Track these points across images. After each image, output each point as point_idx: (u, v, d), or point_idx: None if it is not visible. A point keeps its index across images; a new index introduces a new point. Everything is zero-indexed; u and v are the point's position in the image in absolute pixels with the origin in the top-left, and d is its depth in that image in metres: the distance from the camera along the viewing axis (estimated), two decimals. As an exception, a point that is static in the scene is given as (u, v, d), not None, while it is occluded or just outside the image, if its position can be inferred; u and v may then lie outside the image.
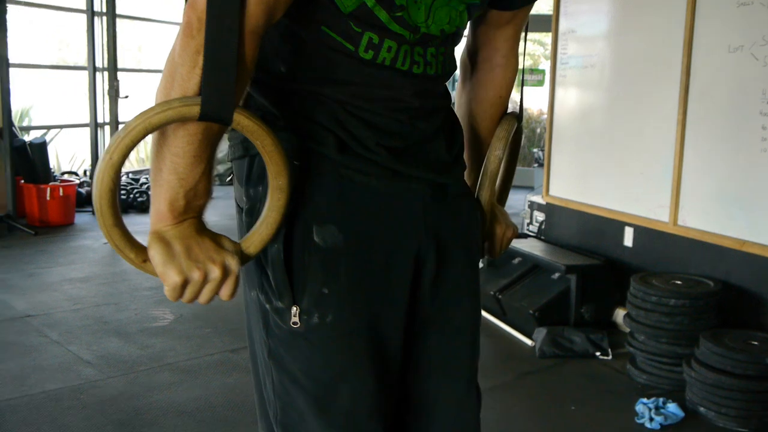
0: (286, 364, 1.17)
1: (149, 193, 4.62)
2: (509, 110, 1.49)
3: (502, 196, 1.56)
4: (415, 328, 1.25)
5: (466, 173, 1.42)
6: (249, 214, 1.18)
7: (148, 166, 8.72)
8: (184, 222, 1.03)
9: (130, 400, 3.08)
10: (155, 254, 1.00)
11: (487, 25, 1.37)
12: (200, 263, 1.01)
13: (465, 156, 1.42)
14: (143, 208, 7.04)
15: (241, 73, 0.99)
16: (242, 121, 1.00)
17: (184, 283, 1.00)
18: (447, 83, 1.30)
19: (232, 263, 1.03)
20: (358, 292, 1.16)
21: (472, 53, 1.44)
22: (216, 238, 1.05)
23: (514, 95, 1.81)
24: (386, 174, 1.17)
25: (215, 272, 1.01)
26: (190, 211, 1.03)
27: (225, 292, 1.04)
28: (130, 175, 7.87)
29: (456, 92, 1.50)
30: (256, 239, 1.08)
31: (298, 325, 1.13)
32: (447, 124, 1.29)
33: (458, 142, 1.32)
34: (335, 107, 1.14)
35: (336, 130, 1.13)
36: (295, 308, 1.13)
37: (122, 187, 6.88)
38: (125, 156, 0.97)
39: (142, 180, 7.65)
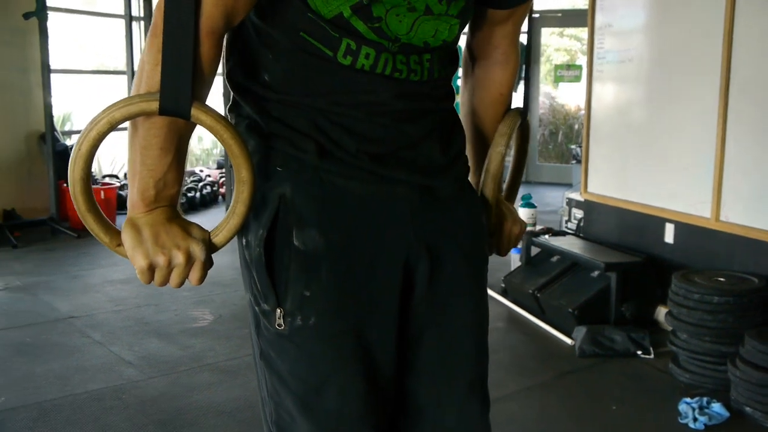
0: (275, 365, 1.19)
1: (188, 194, 4.69)
2: (513, 106, 1.47)
3: (511, 193, 1.54)
4: (412, 333, 1.26)
5: (471, 172, 1.40)
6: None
7: (187, 168, 8.83)
8: (155, 210, 1.07)
9: (171, 400, 3.11)
10: (125, 239, 1.06)
11: (485, 22, 1.35)
12: (165, 249, 1.05)
13: (469, 154, 1.41)
14: (182, 210, 7.11)
15: (199, 71, 1.04)
16: (200, 116, 1.04)
17: (151, 267, 1.05)
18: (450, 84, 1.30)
19: (197, 249, 1.07)
20: (342, 295, 1.16)
21: (471, 50, 1.42)
22: (185, 226, 1.09)
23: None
24: (369, 178, 1.17)
25: (179, 258, 1.05)
26: (161, 200, 1.08)
27: (192, 277, 1.08)
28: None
29: (460, 90, 1.48)
30: (224, 229, 1.11)
31: (283, 327, 1.16)
32: (444, 125, 1.28)
33: (456, 143, 1.30)
34: (315, 115, 1.15)
35: (316, 136, 1.15)
36: (279, 310, 1.15)
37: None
38: (93, 147, 1.04)
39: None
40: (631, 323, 3.86)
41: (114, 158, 8.17)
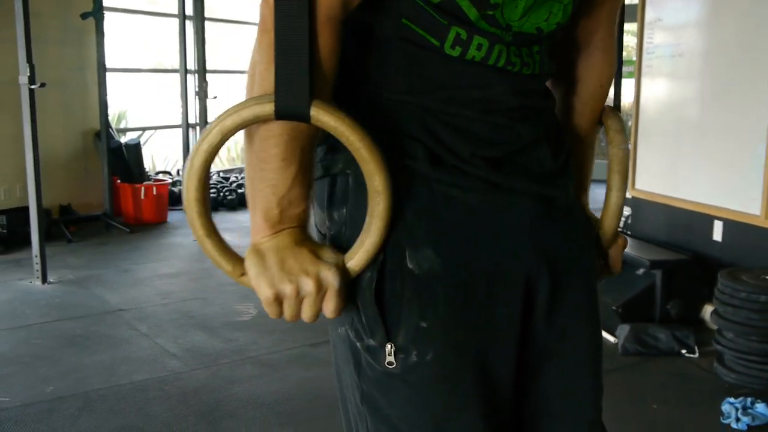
0: (382, 409, 1.03)
1: (239, 191, 4.79)
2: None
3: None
4: (529, 363, 1.11)
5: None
6: (334, 240, 1.04)
7: (238, 165, 8.95)
8: (281, 233, 0.96)
9: (212, 391, 3.17)
10: (249, 266, 0.96)
11: (586, 3, 1.17)
12: (293, 275, 0.93)
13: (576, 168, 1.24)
14: (232, 206, 7.23)
15: (318, 65, 0.92)
16: (321, 116, 0.90)
17: (278, 298, 0.94)
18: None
19: (329, 275, 0.94)
20: (461, 324, 1.01)
21: (567, 40, 1.23)
22: (316, 249, 0.96)
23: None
24: (485, 188, 1.02)
25: (308, 285, 0.93)
26: (287, 220, 0.96)
27: (326, 308, 0.95)
28: (221, 174, 8.08)
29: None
30: (358, 251, 0.97)
31: (394, 365, 1.00)
32: (551, 126, 1.14)
33: (564, 148, 1.15)
34: (422, 114, 1.01)
35: (425, 140, 1.00)
36: (389, 346, 1.00)
37: (212, 185, 7.07)
38: (207, 161, 0.93)
39: (232, 178, 7.84)
40: (676, 322, 3.80)
41: (167, 155, 8.33)
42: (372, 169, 0.93)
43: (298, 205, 0.95)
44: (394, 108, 1.01)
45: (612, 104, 1.32)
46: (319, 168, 1.06)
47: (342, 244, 1.02)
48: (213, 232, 0.97)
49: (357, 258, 0.96)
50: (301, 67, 0.90)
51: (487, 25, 0.99)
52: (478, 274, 1.02)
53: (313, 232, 1.07)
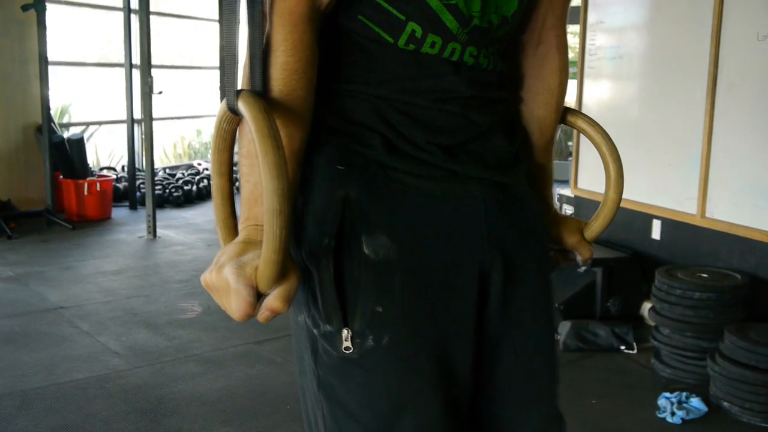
0: (338, 395, 1.03)
1: (185, 188, 4.77)
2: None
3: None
4: (485, 350, 1.11)
5: (535, 181, 1.26)
6: (293, 229, 1.05)
7: (185, 161, 8.85)
8: (245, 228, 0.97)
9: (153, 389, 3.14)
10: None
11: (537, 2, 1.19)
12: (213, 268, 0.94)
13: (533, 169, 1.26)
14: (178, 203, 7.15)
15: (281, 63, 0.95)
16: (242, 110, 0.91)
17: (207, 286, 0.95)
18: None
19: (228, 272, 0.91)
20: (417, 310, 1.02)
21: (522, 39, 1.23)
22: (248, 248, 0.94)
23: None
24: (441, 175, 1.04)
25: (211, 279, 0.93)
26: (252, 218, 0.97)
27: (229, 307, 0.93)
28: (167, 171, 7.99)
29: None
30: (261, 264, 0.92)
31: (351, 351, 1.00)
32: (507, 116, 1.16)
33: (518, 137, 1.18)
34: (377, 104, 1.03)
35: (381, 129, 1.02)
36: (346, 331, 1.00)
37: (158, 182, 6.98)
38: (223, 163, 1.01)
39: (179, 175, 7.76)
40: (616, 319, 3.88)
41: (112, 150, 8.20)
42: (264, 170, 0.87)
43: (253, 205, 0.96)
44: (350, 98, 1.03)
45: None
46: None
47: (299, 231, 1.03)
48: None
49: (259, 269, 0.91)
50: (234, 65, 0.94)
51: (450, 16, 1.00)
52: (434, 260, 1.03)
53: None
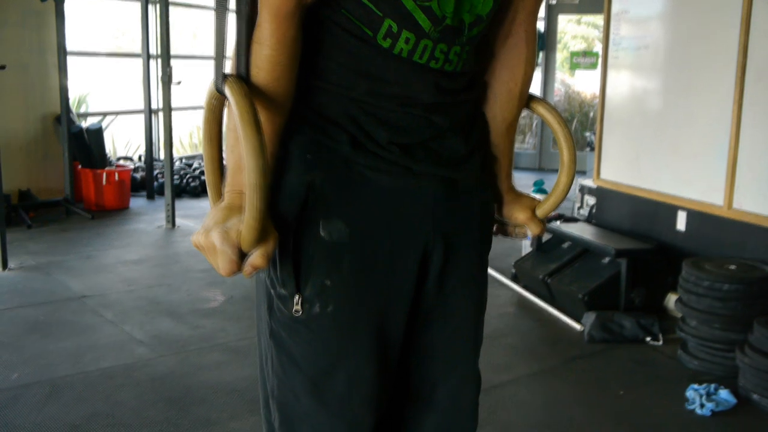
0: (286, 345, 1.21)
1: (202, 178, 4.76)
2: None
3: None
4: (418, 318, 1.28)
5: (496, 162, 1.39)
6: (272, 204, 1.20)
7: (200, 151, 8.85)
8: (228, 193, 1.13)
9: (180, 378, 3.14)
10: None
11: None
12: (201, 230, 1.11)
13: (496, 153, 1.38)
14: (196, 192, 7.15)
15: (264, 52, 1.07)
16: (228, 94, 1.06)
17: (197, 246, 1.12)
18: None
19: (215, 236, 1.09)
20: (361, 286, 1.18)
21: (492, 33, 1.32)
22: (231, 214, 1.11)
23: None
24: (398, 171, 1.18)
25: (200, 239, 1.10)
26: (234, 184, 1.13)
27: (216, 264, 1.10)
28: (184, 160, 8.00)
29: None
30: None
31: (300, 313, 1.17)
32: (467, 116, 1.27)
33: (475, 133, 1.30)
34: (348, 103, 1.15)
35: (349, 127, 1.15)
36: (297, 297, 1.17)
37: (175, 172, 6.97)
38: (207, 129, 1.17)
39: (195, 165, 7.76)
40: (640, 310, 3.86)
41: (129, 140, 8.21)
42: (246, 150, 1.01)
43: (239, 172, 1.08)
44: (324, 95, 1.16)
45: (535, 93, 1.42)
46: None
47: (272, 207, 1.15)
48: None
49: (242, 234, 1.07)
50: (222, 51, 1.11)
51: (423, 15, 1.11)
52: (382, 245, 1.19)
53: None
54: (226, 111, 1.13)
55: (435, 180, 1.21)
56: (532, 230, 1.44)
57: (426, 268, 1.24)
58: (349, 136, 1.15)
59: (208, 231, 1.08)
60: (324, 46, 1.15)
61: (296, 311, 1.17)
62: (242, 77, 1.08)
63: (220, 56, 1.12)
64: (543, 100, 1.41)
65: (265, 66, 1.08)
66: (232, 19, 1.11)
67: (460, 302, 1.31)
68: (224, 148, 1.15)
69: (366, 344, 1.21)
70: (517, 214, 1.43)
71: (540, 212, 1.42)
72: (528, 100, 1.38)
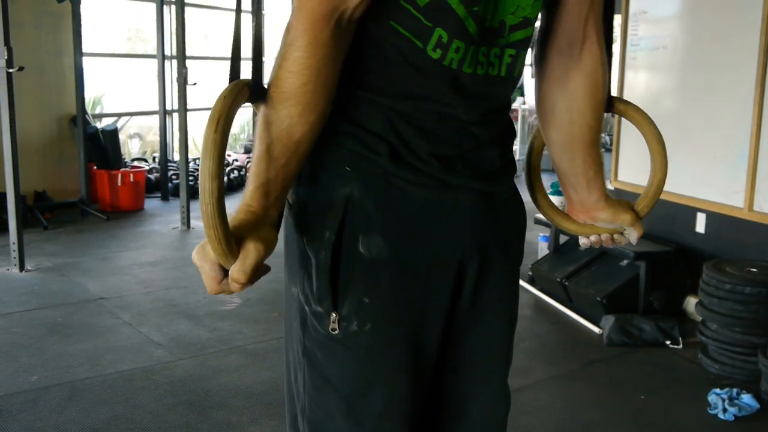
0: (320, 365, 1.17)
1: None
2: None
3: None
4: (453, 333, 1.25)
5: (591, 173, 1.34)
6: (297, 213, 1.16)
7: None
8: (241, 206, 1.06)
9: (199, 381, 3.14)
10: None
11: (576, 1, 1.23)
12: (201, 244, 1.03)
13: (579, 164, 1.34)
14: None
15: (302, 56, 1.02)
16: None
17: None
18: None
19: (209, 251, 0.99)
20: (399, 302, 1.15)
21: (554, 40, 1.27)
22: (239, 229, 1.01)
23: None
24: (436, 185, 1.15)
25: (194, 257, 1.02)
26: (247, 197, 1.06)
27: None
28: (197, 162, 8.00)
29: (537, 96, 1.35)
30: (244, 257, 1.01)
31: (337, 332, 1.14)
32: (503, 127, 1.25)
33: (510, 146, 1.27)
34: (389, 114, 1.12)
35: (390, 138, 1.12)
36: (334, 315, 1.13)
37: (191, 173, 6.97)
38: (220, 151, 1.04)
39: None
40: (659, 313, 3.83)
41: (142, 142, 8.22)
42: (202, 148, 0.97)
43: (248, 184, 1.05)
44: (366, 106, 1.12)
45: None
46: None
47: (302, 218, 1.14)
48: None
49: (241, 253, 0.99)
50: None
51: (472, 21, 1.09)
52: (420, 261, 1.15)
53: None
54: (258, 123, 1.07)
55: (472, 193, 1.19)
56: (638, 231, 1.39)
57: (461, 282, 1.21)
58: (389, 148, 1.12)
59: (200, 246, 1.02)
60: (368, 59, 1.11)
61: (333, 329, 1.14)
62: (245, 80, 1.05)
63: (236, 59, 1.10)
64: (626, 101, 1.39)
65: (294, 69, 1.03)
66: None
67: (493, 317, 1.29)
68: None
69: (403, 362, 1.18)
70: (624, 218, 1.38)
71: (641, 212, 1.40)
72: (611, 103, 1.36)
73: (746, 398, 2.96)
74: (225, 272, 1.00)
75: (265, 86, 1.05)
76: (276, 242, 1.03)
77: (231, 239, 0.97)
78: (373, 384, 1.17)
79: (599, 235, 1.41)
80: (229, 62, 1.10)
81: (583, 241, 1.44)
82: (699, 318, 3.48)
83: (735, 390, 3.00)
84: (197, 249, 1.01)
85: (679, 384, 3.26)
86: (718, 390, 3.02)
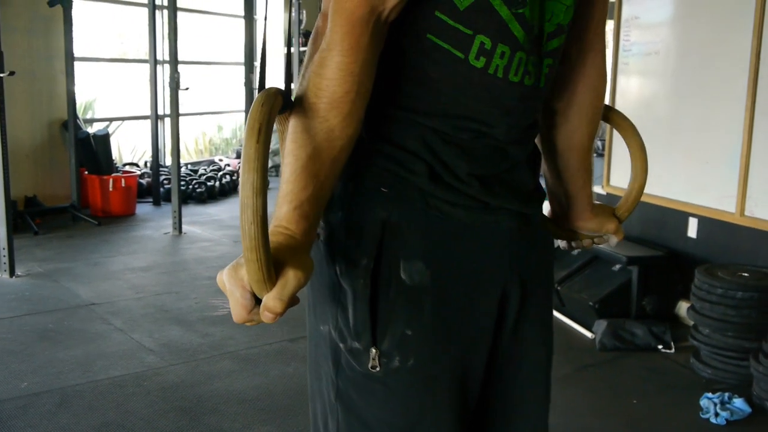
0: (356, 407, 1.08)
1: (208, 183, 4.75)
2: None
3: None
4: (494, 366, 1.18)
5: (581, 180, 1.34)
6: (327, 242, 1.08)
7: (206, 157, 8.85)
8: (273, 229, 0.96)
9: (191, 387, 3.13)
10: None
11: (581, 7, 1.20)
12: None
13: (571, 173, 1.33)
14: (201, 198, 7.15)
15: (345, 62, 0.95)
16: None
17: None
18: None
19: (222, 276, 0.90)
20: (442, 333, 1.07)
21: (572, 45, 1.23)
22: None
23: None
24: (475, 205, 1.08)
25: (220, 280, 0.91)
26: (275, 218, 0.96)
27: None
28: (189, 167, 7.98)
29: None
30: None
31: (377, 369, 1.05)
32: (534, 148, 1.21)
33: (539, 168, 1.25)
34: (426, 132, 1.05)
35: (427, 157, 1.05)
36: (374, 350, 1.04)
37: (181, 178, 6.96)
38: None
39: (201, 171, 7.75)
40: (651, 317, 3.84)
41: (135, 146, 8.21)
42: (242, 160, 0.87)
43: (281, 205, 0.94)
44: (400, 124, 1.05)
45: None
46: None
47: (334, 246, 1.05)
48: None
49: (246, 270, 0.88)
50: (264, 63, 1.05)
51: (517, 25, 1.02)
52: (461, 287, 1.08)
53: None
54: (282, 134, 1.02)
55: (510, 215, 1.12)
56: (619, 237, 1.42)
57: (503, 312, 1.15)
58: (427, 167, 1.05)
59: (222, 270, 0.91)
60: (403, 76, 1.05)
61: (373, 367, 1.05)
62: (279, 90, 0.95)
63: (262, 68, 1.05)
64: (610, 106, 1.41)
65: (335, 76, 0.95)
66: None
67: (533, 347, 1.22)
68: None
69: (447, 399, 1.09)
70: (609, 226, 1.39)
71: (621, 217, 1.43)
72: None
73: (738, 402, 2.96)
74: (256, 300, 0.88)
75: (294, 96, 0.99)
76: (312, 269, 0.93)
77: (272, 265, 0.87)
78: (418, 426, 1.08)
79: (581, 240, 1.43)
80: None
81: (562, 245, 1.45)
82: (691, 322, 3.49)
83: (727, 394, 3.00)
84: (228, 272, 0.89)
85: (671, 388, 3.26)
86: (710, 394, 3.02)
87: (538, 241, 1.21)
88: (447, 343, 1.08)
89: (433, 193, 1.05)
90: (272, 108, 0.90)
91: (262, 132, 0.86)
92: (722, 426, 2.88)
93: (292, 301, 0.89)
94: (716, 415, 2.91)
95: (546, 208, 1.36)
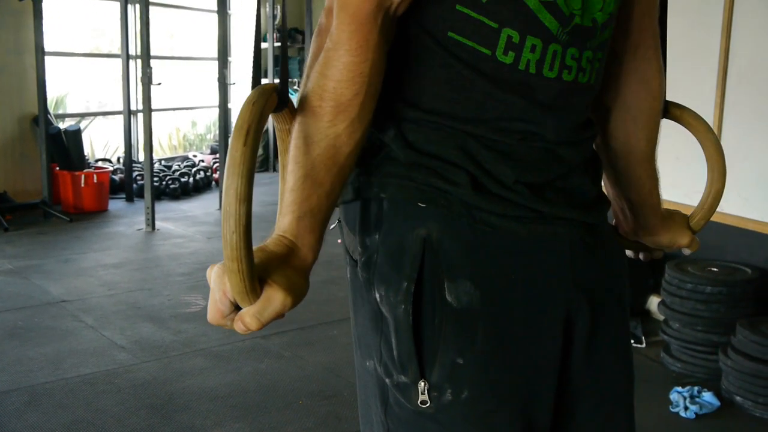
0: None
1: (182, 179, 4.71)
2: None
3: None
4: (566, 400, 1.04)
5: (615, 200, 1.25)
6: (366, 267, 0.99)
7: (180, 153, 8.79)
8: (271, 236, 0.90)
9: (163, 384, 3.11)
10: None
11: (633, 3, 1.12)
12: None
13: (632, 180, 1.24)
14: (175, 195, 7.09)
15: (354, 62, 0.89)
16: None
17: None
18: None
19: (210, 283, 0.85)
20: (499, 361, 0.96)
21: (619, 42, 1.14)
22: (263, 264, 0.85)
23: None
24: (528, 216, 0.97)
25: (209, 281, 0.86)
26: (278, 227, 0.90)
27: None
28: (163, 162, 7.93)
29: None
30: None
31: (427, 404, 0.94)
32: (592, 152, 1.10)
33: (600, 174, 1.13)
34: (464, 138, 0.96)
35: (467, 166, 0.95)
36: (423, 383, 0.94)
37: (155, 173, 6.91)
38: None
39: (175, 167, 7.70)
40: (623, 312, 3.87)
41: (107, 142, 8.13)
42: (226, 164, 0.81)
43: (283, 214, 0.89)
44: (433, 130, 0.96)
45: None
46: (350, 190, 1.01)
47: (372, 271, 0.97)
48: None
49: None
50: (259, 61, 1.00)
51: (548, 15, 0.93)
52: (518, 307, 0.97)
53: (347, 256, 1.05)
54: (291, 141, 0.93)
55: (571, 226, 1.00)
56: (693, 249, 1.31)
57: (570, 336, 1.02)
58: (469, 177, 0.95)
59: (216, 265, 0.85)
60: (429, 80, 0.96)
61: (422, 402, 0.94)
62: (273, 87, 0.89)
63: (256, 66, 0.99)
64: (682, 106, 1.31)
65: (343, 77, 0.88)
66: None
67: (612, 377, 1.08)
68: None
69: None
70: (682, 240, 1.29)
71: (695, 226, 1.32)
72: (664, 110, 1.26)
73: (707, 396, 3.00)
74: (236, 306, 0.83)
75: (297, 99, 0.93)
76: (305, 295, 0.86)
77: (255, 277, 0.81)
78: None
79: (650, 252, 1.32)
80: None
81: (630, 257, 1.33)
82: (662, 317, 3.52)
83: (696, 388, 3.04)
84: (216, 271, 0.83)
85: (641, 383, 3.26)
86: (679, 388, 3.06)
87: (606, 254, 1.08)
88: (505, 371, 0.96)
89: (479, 205, 0.95)
90: (264, 107, 0.84)
91: (250, 134, 0.80)
92: (691, 420, 2.91)
93: (272, 321, 0.83)
94: (686, 408, 2.95)
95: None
